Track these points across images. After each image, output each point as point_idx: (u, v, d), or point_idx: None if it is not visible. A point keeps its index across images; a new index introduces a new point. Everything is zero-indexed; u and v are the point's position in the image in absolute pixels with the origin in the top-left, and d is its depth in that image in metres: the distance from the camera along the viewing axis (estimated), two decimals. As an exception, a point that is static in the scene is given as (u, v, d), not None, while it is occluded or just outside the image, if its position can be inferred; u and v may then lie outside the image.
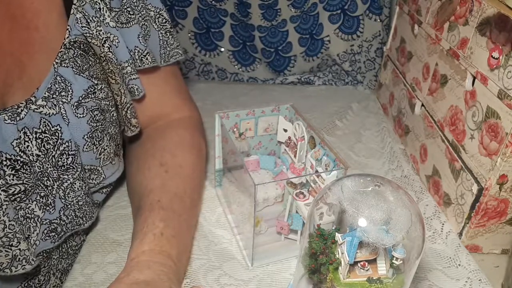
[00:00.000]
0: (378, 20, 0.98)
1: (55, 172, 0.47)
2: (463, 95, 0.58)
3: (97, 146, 0.51)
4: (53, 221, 0.48)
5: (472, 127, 0.55)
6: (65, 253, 0.54)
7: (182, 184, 0.54)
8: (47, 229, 0.48)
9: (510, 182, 0.50)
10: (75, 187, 0.49)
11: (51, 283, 0.53)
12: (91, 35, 0.48)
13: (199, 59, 1.08)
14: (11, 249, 0.43)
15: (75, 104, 0.48)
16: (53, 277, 0.53)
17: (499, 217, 0.53)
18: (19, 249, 0.43)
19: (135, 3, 0.53)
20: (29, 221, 0.45)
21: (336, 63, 1.04)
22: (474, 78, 0.55)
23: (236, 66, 1.08)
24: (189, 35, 1.05)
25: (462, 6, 0.60)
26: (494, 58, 0.51)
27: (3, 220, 0.41)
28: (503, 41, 0.49)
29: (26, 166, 0.43)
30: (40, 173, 0.45)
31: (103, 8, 0.49)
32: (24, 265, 0.44)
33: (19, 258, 0.44)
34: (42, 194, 0.46)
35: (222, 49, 1.06)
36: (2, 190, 0.41)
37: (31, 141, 0.44)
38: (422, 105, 0.71)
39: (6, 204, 0.41)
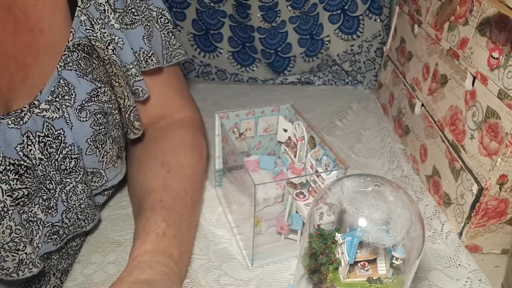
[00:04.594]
0: (378, 20, 0.98)
1: (57, 176, 0.47)
2: (463, 95, 0.58)
3: (100, 149, 0.51)
4: (55, 224, 0.48)
5: (472, 127, 0.55)
6: (65, 253, 0.54)
7: (183, 184, 0.54)
8: (49, 232, 0.48)
9: (510, 182, 0.50)
10: (77, 190, 0.49)
11: (51, 283, 0.53)
12: (95, 38, 0.48)
13: (199, 60, 1.08)
14: (17, 253, 0.43)
15: (78, 108, 0.47)
16: (53, 277, 0.53)
17: (499, 217, 0.53)
18: (26, 253, 0.43)
19: (138, 4, 0.53)
20: (31, 225, 0.45)
21: (336, 63, 1.04)
22: (474, 78, 0.55)
23: (236, 67, 1.08)
24: (188, 37, 1.05)
25: (462, 6, 0.60)
26: (494, 58, 0.51)
27: (9, 225, 0.41)
28: (503, 41, 0.49)
29: (30, 171, 0.43)
30: (42, 176, 0.45)
31: (107, 9, 0.49)
32: (31, 269, 0.44)
33: (26, 262, 0.44)
34: (44, 198, 0.46)
35: (222, 51, 1.06)
36: (7, 196, 0.41)
37: (34, 145, 0.44)
38: (422, 105, 0.71)
39: (12, 209, 0.41)
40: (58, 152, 0.46)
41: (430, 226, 0.60)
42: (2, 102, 0.43)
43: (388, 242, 0.36)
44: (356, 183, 0.39)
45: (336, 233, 0.39)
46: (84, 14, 0.47)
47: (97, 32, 0.48)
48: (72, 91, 0.47)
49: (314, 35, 1.02)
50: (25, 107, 0.44)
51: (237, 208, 0.57)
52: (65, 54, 0.46)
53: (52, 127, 0.46)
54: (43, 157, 0.45)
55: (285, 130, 0.63)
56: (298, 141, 0.58)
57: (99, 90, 0.49)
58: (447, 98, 0.62)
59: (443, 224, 0.59)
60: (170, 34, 0.58)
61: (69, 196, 0.48)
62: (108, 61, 0.49)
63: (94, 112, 0.49)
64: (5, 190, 0.41)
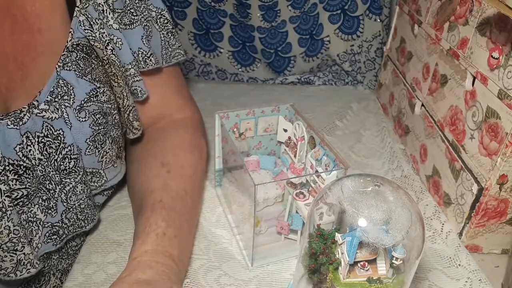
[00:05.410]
0: (378, 20, 0.98)
1: (57, 176, 0.47)
2: (463, 95, 0.58)
3: (99, 149, 0.51)
4: (55, 224, 0.48)
5: (472, 127, 0.55)
6: (65, 253, 0.55)
7: (183, 184, 0.54)
8: (49, 232, 0.48)
9: (510, 182, 0.50)
10: (77, 191, 0.49)
11: (51, 283, 0.53)
12: (94, 38, 0.48)
13: (199, 59, 1.08)
14: (15, 254, 0.43)
15: (77, 108, 0.47)
16: (53, 277, 0.53)
17: (499, 217, 0.53)
18: (24, 253, 0.43)
19: (137, 4, 0.53)
20: (31, 225, 0.45)
21: (336, 63, 1.04)
22: (474, 78, 0.55)
23: (236, 67, 1.08)
24: (189, 36, 1.05)
25: (462, 6, 0.60)
26: (494, 58, 0.51)
27: (8, 225, 0.41)
28: (503, 41, 0.49)
29: (29, 171, 0.43)
30: (42, 177, 0.45)
31: (106, 10, 0.49)
32: (29, 269, 0.44)
33: (24, 262, 0.44)
34: (44, 198, 0.46)
35: (222, 50, 1.06)
36: (6, 196, 0.41)
37: (33, 145, 0.44)
38: (422, 105, 0.71)
39: (10, 210, 0.41)
40: (58, 152, 0.46)
41: (430, 226, 0.60)
42: (1, 102, 0.43)
43: (388, 242, 0.36)
44: (356, 183, 0.39)
45: (336, 233, 0.39)
46: (82, 14, 0.47)
47: (96, 32, 0.48)
48: (71, 91, 0.47)
49: (314, 35, 1.02)
50: (25, 108, 0.44)
51: (237, 208, 0.57)
52: (64, 54, 0.46)
53: (51, 128, 0.46)
54: (42, 157, 0.45)
55: (285, 130, 0.63)
56: (298, 141, 0.58)
57: (98, 90, 0.49)
58: (447, 98, 0.62)
59: (443, 224, 0.59)
60: (170, 34, 0.58)
61: (68, 196, 0.48)
62: (107, 61, 0.49)
63: (93, 112, 0.49)
64: (4, 190, 0.41)
